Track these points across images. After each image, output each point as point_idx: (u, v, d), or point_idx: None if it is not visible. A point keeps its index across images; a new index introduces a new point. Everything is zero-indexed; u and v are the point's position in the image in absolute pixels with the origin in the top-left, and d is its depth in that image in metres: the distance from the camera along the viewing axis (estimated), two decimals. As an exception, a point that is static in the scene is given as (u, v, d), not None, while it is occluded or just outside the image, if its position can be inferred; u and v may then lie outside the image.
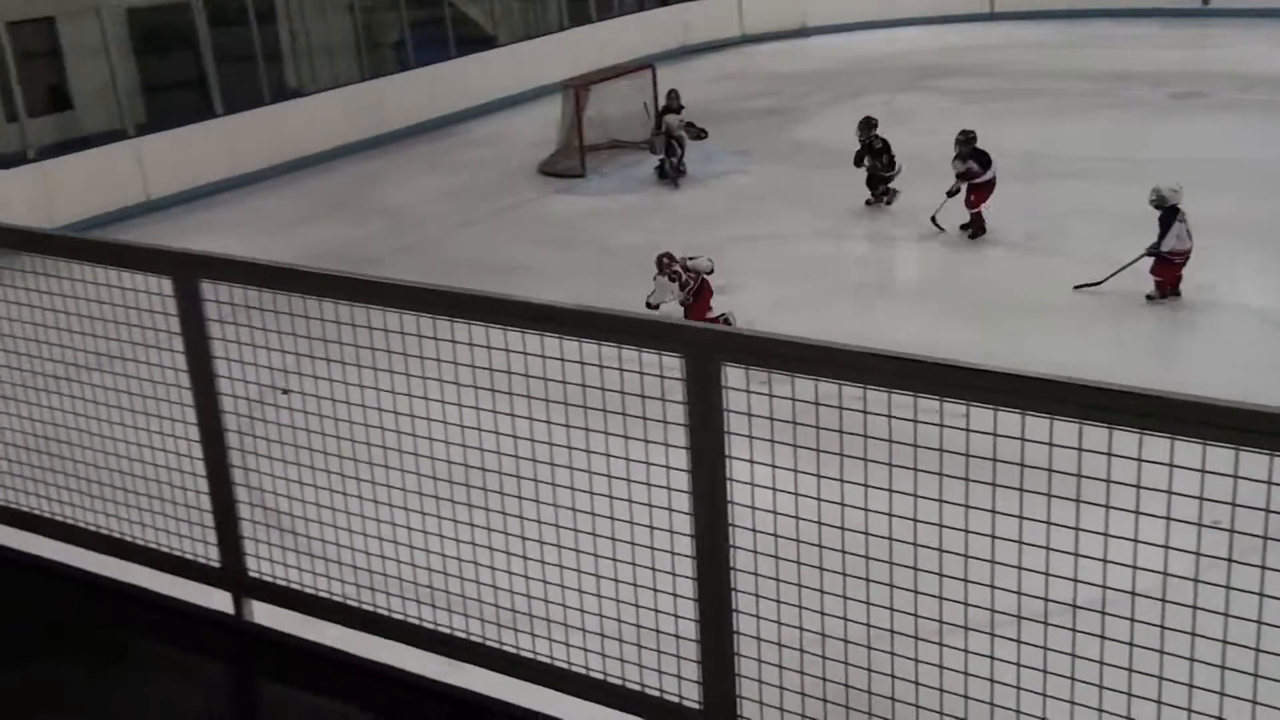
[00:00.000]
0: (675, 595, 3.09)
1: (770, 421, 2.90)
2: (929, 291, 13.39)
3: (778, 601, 2.98)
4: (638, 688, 3.23)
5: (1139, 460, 2.42)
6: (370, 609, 3.62)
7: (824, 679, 2.97)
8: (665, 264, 11.76)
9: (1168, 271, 12.11)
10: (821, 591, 2.93)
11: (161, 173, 17.52)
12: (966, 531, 2.68)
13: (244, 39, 19.09)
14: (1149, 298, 12.15)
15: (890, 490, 2.75)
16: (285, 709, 3.79)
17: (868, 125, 15.80)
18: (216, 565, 3.89)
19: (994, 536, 2.65)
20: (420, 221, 16.50)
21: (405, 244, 15.46)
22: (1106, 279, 12.21)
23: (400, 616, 3.57)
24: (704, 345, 2.87)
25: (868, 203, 15.65)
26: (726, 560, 2.96)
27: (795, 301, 12.68)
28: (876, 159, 15.62)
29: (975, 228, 14.40)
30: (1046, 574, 2.61)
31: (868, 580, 2.85)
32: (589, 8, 25.11)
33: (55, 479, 4.20)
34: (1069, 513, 2.56)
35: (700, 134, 18.00)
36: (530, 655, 3.37)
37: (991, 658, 2.72)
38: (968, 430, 2.63)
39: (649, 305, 11.53)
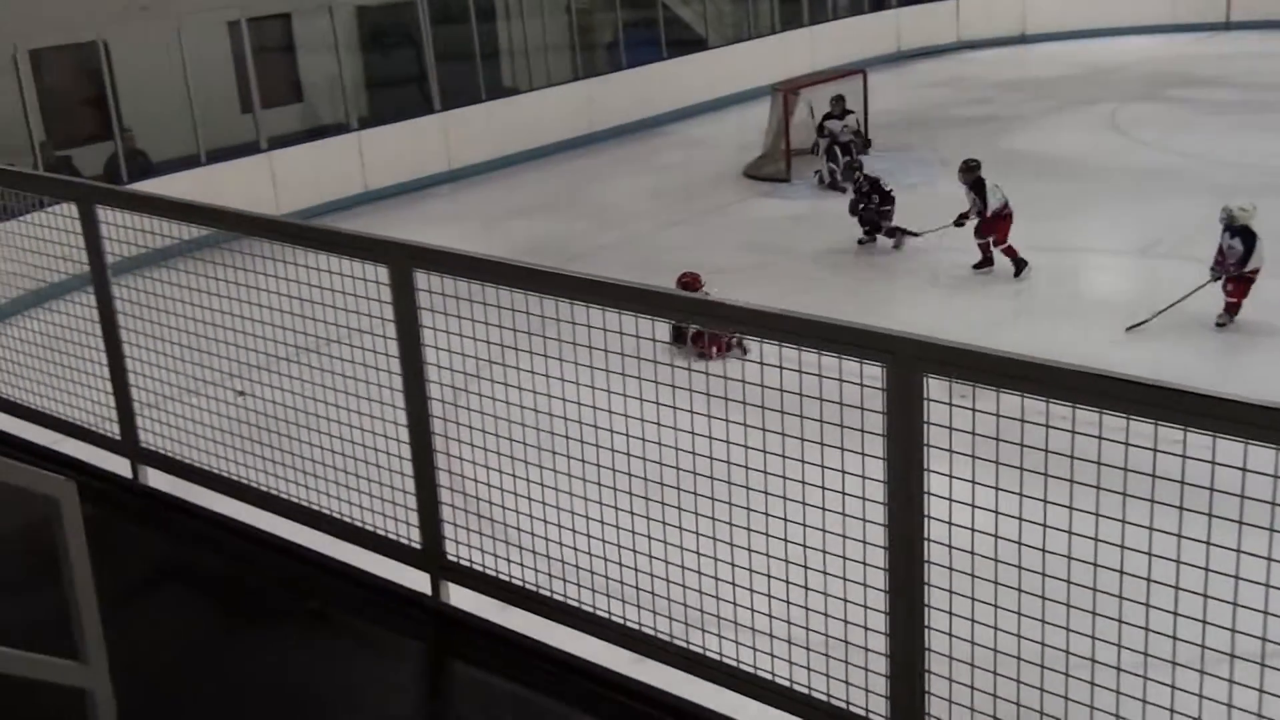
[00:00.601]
0: (865, 607, 3.05)
1: (972, 436, 2.83)
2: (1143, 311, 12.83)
3: (971, 620, 2.91)
4: (823, 697, 3.19)
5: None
6: (561, 599, 3.68)
7: (1018, 704, 2.88)
8: (688, 285, 10.56)
9: (1242, 291, 11.59)
10: (1019, 614, 2.85)
11: (380, 165, 18.17)
12: (1178, 563, 2.56)
13: (464, 37, 19.64)
14: (1219, 324, 11.59)
15: (1096, 514, 2.65)
16: (474, 690, 3.89)
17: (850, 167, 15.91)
18: (417, 546, 4.01)
19: (1207, 569, 2.53)
20: (626, 220, 16.69)
21: (610, 241, 15.66)
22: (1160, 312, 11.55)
23: (590, 609, 3.61)
24: (907, 355, 2.82)
25: (860, 242, 14.80)
26: (920, 574, 2.90)
27: (997, 318, 12.34)
28: (867, 200, 14.80)
29: (983, 262, 13.51)
30: (1265, 612, 2.48)
31: (1068, 606, 2.75)
32: (801, 11, 24.96)
33: (272, 454, 4.40)
34: (1292, 550, 2.42)
35: (865, 143, 17.66)
36: (715, 656, 3.38)
37: (1200, 696, 2.60)
38: (1183, 457, 2.52)
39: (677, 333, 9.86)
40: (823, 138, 17.78)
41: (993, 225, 13.50)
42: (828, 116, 17.91)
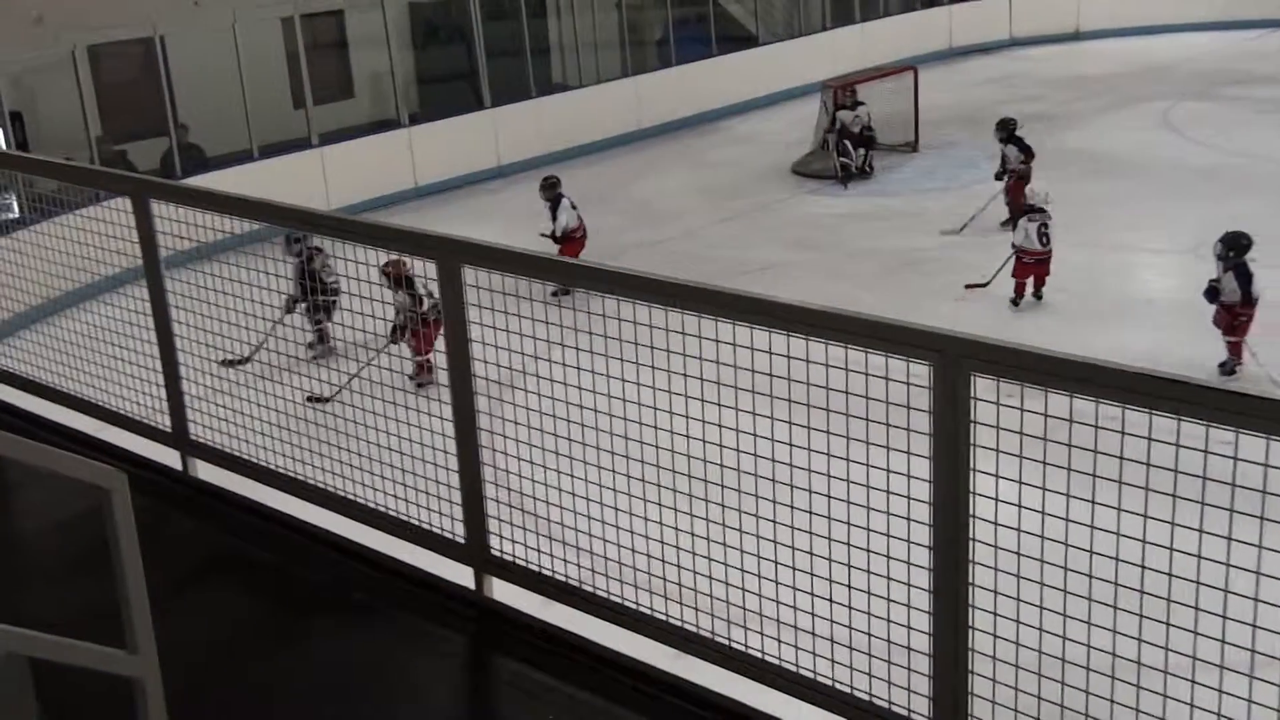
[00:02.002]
0: (909, 606, 3.03)
1: (1020, 436, 2.81)
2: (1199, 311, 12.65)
3: (1016, 621, 2.89)
4: (865, 696, 3.18)
5: None
6: (604, 595, 3.68)
7: (1062, 706, 2.86)
8: (390, 273, 6.74)
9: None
10: (1064, 615, 2.82)
11: (430, 160, 18.26)
12: (1228, 565, 2.53)
13: (514, 33, 19.71)
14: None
15: (1145, 516, 2.62)
16: (515, 684, 3.90)
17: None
18: (461, 541, 4.04)
19: (1259, 573, 2.49)
20: (674, 216, 16.68)
21: (658, 238, 15.65)
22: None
23: (633, 605, 3.62)
24: (954, 354, 2.80)
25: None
26: (965, 574, 2.88)
27: (1043, 317, 12.22)
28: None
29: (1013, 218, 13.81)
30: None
31: (1115, 608, 2.73)
32: (852, 8, 24.82)
33: (319, 448, 4.44)
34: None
35: (869, 135, 17.65)
36: (758, 654, 3.37)
37: (1250, 701, 2.56)
38: (1235, 459, 2.48)
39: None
40: (832, 132, 17.71)
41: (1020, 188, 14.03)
42: (839, 107, 17.83)
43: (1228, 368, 10.74)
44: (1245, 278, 10.70)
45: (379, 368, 4.41)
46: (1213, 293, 10.79)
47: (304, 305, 6.29)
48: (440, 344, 3.89)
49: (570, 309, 3.54)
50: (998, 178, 15.14)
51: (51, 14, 15.59)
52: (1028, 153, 15.01)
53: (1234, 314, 10.74)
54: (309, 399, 4.67)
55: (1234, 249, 10.78)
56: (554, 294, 3.99)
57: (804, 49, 23.37)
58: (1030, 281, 12.82)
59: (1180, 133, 18.18)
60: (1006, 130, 15.28)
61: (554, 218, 13.95)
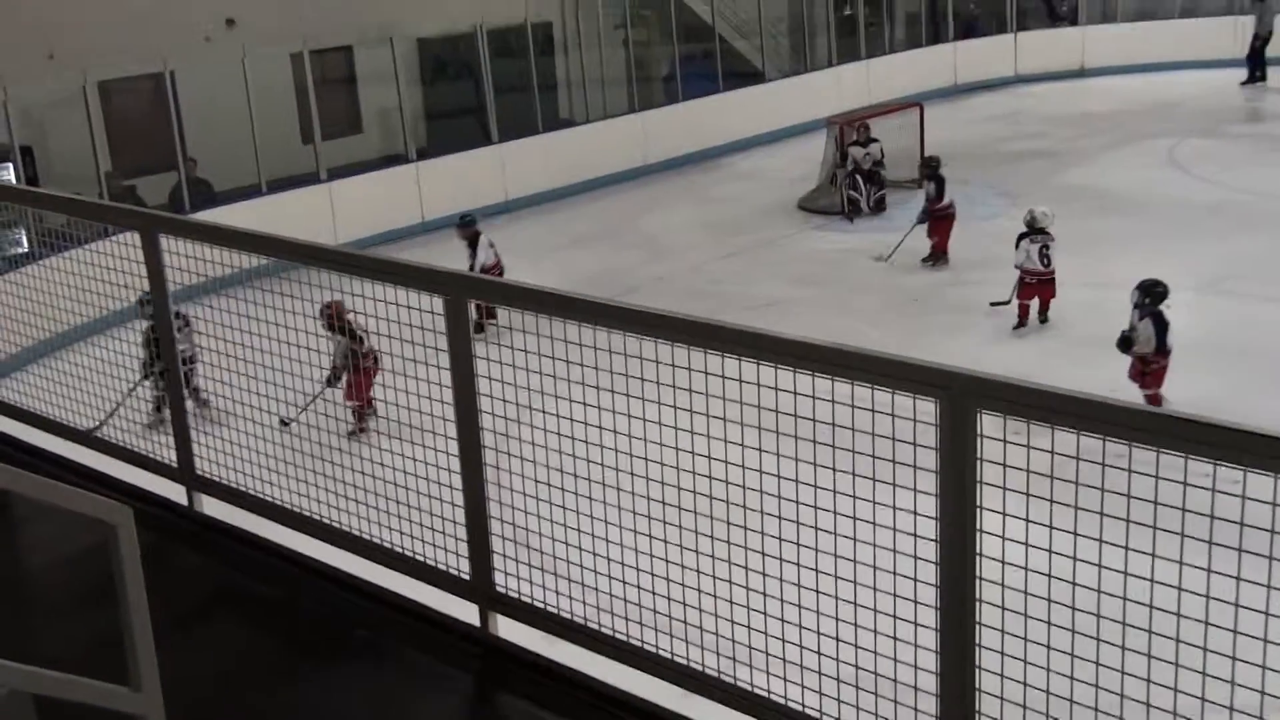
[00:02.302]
0: (916, 645, 3.02)
1: (1026, 474, 2.80)
2: (1207, 349, 12.64)
3: (1024, 661, 2.87)
4: (872, 736, 3.16)
5: None
6: (610, 633, 3.67)
7: (1070, 747, 2.83)
8: (330, 315, 7.16)
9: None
10: (1072, 655, 2.80)
11: (437, 195, 18.33)
12: (1236, 606, 2.51)
13: (522, 69, 19.83)
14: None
15: (1153, 555, 2.61)
16: (522, 723, 3.88)
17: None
18: (466, 578, 4.02)
19: (1267, 614, 2.48)
20: (679, 251, 16.73)
21: (663, 273, 15.69)
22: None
23: (639, 643, 3.60)
24: (961, 390, 2.80)
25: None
26: (972, 613, 2.87)
27: (1050, 353, 12.22)
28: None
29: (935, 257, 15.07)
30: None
31: (1123, 648, 2.71)
32: (858, 44, 24.96)
33: (325, 483, 4.43)
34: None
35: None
36: (764, 693, 3.35)
37: (1258, 743, 2.54)
38: (1243, 498, 2.47)
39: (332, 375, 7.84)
40: (842, 167, 17.78)
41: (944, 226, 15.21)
42: (852, 143, 17.91)
43: None
44: (1162, 326, 10.53)
45: (386, 403, 4.41)
46: (1126, 342, 10.58)
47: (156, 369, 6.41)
48: (443, 380, 3.88)
49: (577, 344, 3.54)
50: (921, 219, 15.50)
51: (63, 49, 15.74)
52: (940, 193, 15.36)
53: (1146, 362, 10.60)
54: (282, 422, 4.66)
55: (1149, 296, 10.64)
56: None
57: (810, 85, 23.49)
58: (1034, 304, 12.92)
59: (1185, 170, 18.22)
60: (930, 168, 15.68)
61: (473, 255, 14.04)
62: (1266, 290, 13.29)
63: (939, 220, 15.27)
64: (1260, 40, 24.15)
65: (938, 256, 15.18)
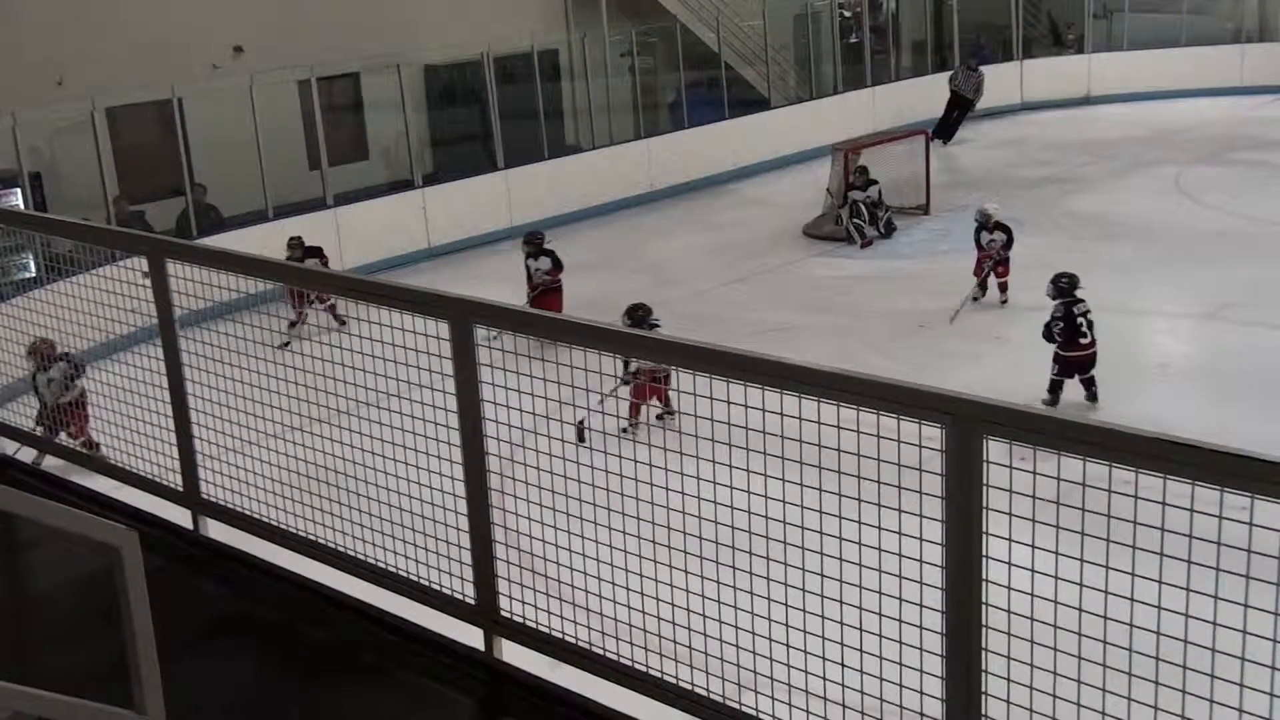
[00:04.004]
0: (922, 671, 3.01)
1: (1033, 500, 2.80)
2: (1210, 375, 12.63)
3: (1030, 688, 2.86)
4: (878, 763, 3.14)
5: None
6: (614, 657, 3.66)
7: (1077, 775, 2.82)
8: (39, 353, 7.18)
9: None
10: (1079, 682, 2.79)
11: (443, 221, 18.38)
12: (1244, 633, 2.50)
13: (528, 96, 19.90)
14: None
15: (1159, 582, 2.60)
16: (527, 749, 3.87)
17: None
18: (471, 602, 4.02)
19: (1276, 640, 2.47)
20: (684, 277, 16.75)
21: (668, 298, 15.69)
22: None
23: (643, 668, 3.59)
24: (967, 416, 2.80)
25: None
26: (978, 640, 2.86)
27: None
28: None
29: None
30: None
31: (1130, 675, 2.70)
32: (864, 72, 25.04)
33: (331, 508, 4.43)
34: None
35: (874, 212, 17.91)
36: (769, 718, 3.33)
37: (1267, 771, 2.53)
38: (1250, 524, 2.47)
39: None
40: (844, 207, 17.85)
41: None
42: (850, 188, 17.96)
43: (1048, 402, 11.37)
44: (1070, 320, 11.47)
45: (408, 415, 4.41)
46: (1049, 331, 11.63)
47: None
48: (449, 405, 3.88)
49: (583, 369, 3.55)
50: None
51: (72, 76, 15.83)
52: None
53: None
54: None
55: (1056, 288, 11.75)
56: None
57: (815, 112, 23.54)
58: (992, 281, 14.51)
59: (1191, 197, 18.24)
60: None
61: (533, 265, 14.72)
62: (1269, 317, 13.27)
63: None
64: (959, 107, 23.94)
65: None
